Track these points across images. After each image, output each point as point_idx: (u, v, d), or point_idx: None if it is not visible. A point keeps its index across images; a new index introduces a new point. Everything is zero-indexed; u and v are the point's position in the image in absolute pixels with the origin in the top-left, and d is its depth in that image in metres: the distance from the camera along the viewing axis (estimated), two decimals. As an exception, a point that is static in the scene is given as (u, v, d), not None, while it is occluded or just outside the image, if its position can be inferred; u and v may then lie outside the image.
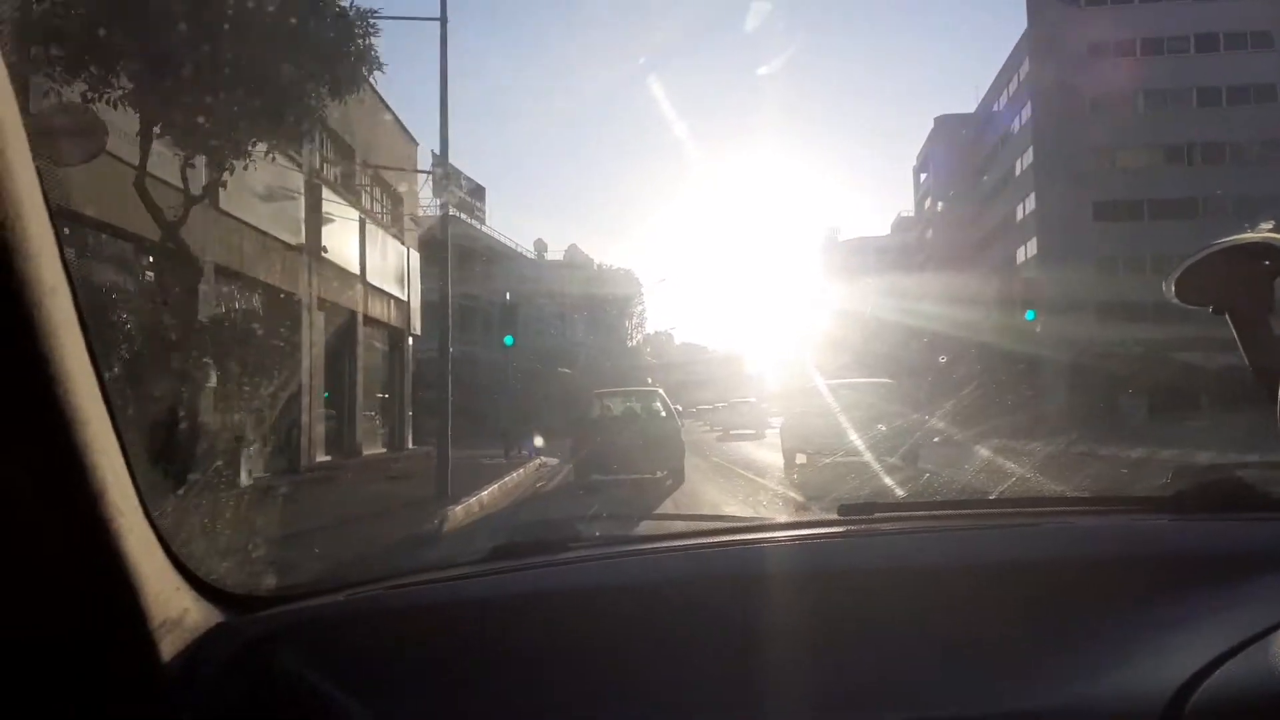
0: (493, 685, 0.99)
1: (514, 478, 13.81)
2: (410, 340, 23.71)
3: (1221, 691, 0.74)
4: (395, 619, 1.09)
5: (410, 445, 22.85)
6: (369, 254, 19.85)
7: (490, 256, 42.24)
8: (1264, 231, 1.02)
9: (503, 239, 46.05)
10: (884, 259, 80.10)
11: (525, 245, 51.02)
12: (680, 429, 14.03)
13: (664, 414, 14.04)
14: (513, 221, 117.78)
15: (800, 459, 14.05)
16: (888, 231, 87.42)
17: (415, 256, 24.10)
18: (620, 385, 20.93)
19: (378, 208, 22.04)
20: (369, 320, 20.28)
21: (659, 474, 12.70)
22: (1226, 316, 1.05)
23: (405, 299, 23.03)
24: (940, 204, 66.59)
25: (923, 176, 74.22)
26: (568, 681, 0.98)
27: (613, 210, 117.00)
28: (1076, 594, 0.98)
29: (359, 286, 19.31)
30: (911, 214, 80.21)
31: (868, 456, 11.10)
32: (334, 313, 17.74)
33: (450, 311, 13.02)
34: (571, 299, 49.36)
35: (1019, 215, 49.66)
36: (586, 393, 17.94)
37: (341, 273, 18.10)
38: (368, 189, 21.13)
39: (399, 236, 22.78)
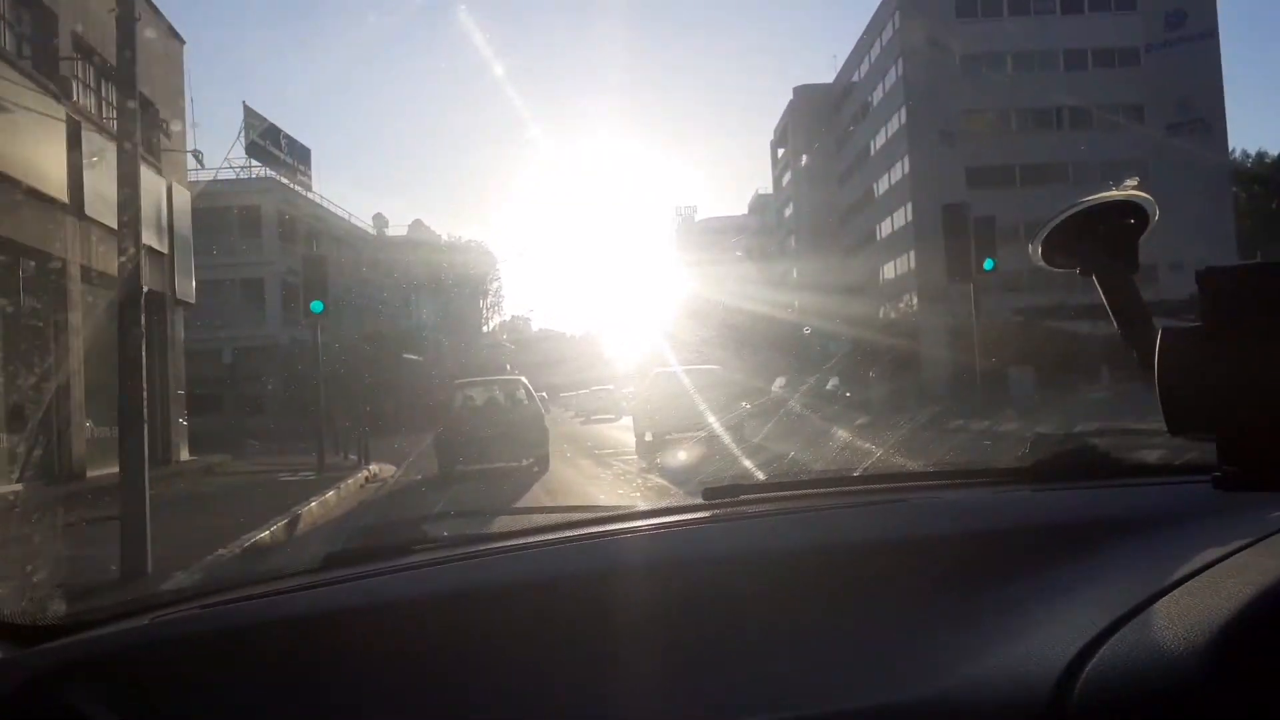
0: (322, 714, 0.95)
1: (314, 506, 10.29)
2: (179, 312, 18.59)
3: (1110, 666, 0.78)
4: (208, 643, 1.04)
5: (183, 456, 17.90)
6: (87, 174, 13.61)
7: (318, 229, 40.18)
8: (1127, 189, 1.10)
9: (334, 209, 43.66)
10: (743, 239, 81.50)
11: (363, 221, 48.95)
12: (544, 416, 15.01)
13: (526, 401, 14.98)
14: (349, 198, 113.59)
15: (648, 437, 16.63)
16: (745, 210, 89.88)
17: (185, 197, 18.71)
18: (476, 373, 22.86)
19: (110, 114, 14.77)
20: (93, 274, 13.90)
21: (525, 462, 13.54)
22: (1093, 278, 1.11)
23: (166, 252, 17.32)
24: (799, 179, 68.42)
25: (780, 151, 75.52)
26: (411, 704, 0.96)
27: (460, 190, 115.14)
28: (950, 572, 1.03)
29: (68, 221, 13.45)
30: (770, 191, 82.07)
31: (703, 432, 14.26)
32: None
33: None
34: (418, 279, 47.78)
35: (883, 187, 51.93)
36: (438, 382, 19.58)
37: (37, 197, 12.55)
38: (80, 76, 14.98)
39: (155, 164, 16.63)
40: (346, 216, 45.56)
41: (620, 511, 1.37)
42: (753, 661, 0.96)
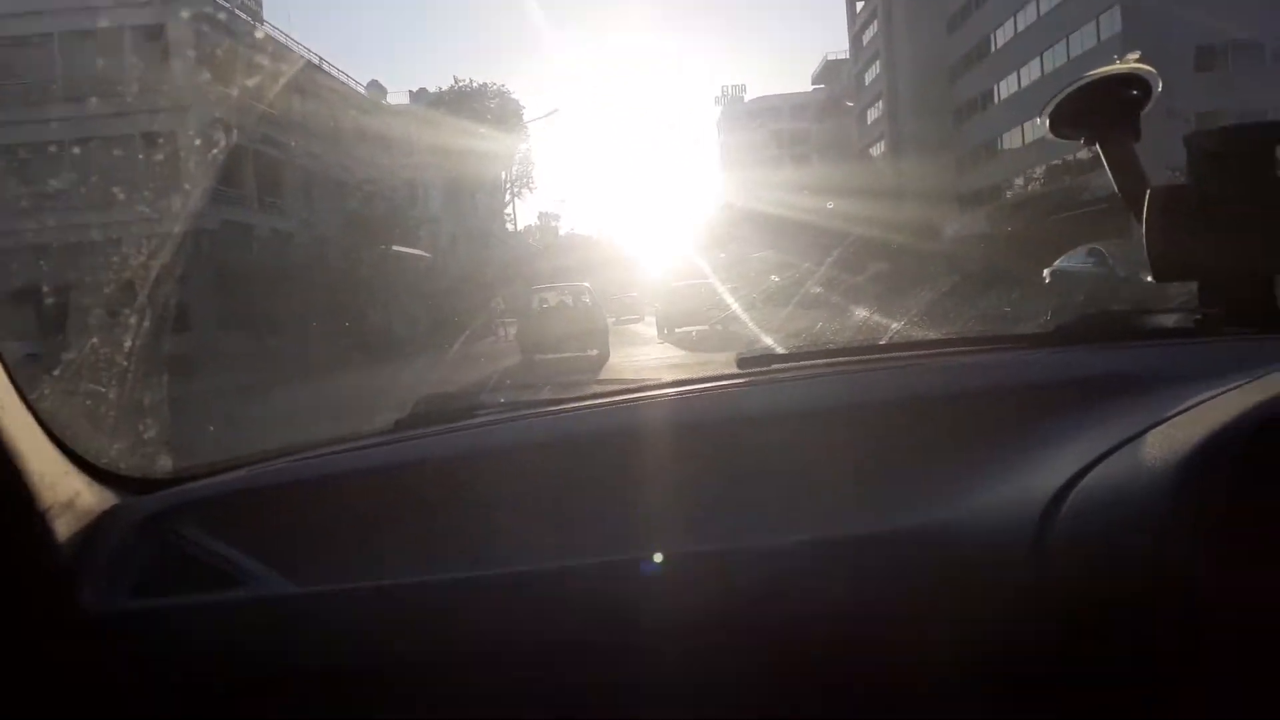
0: (400, 544, 1.07)
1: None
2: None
3: (1098, 487, 0.85)
4: (298, 490, 1.15)
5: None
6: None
7: (283, 70, 25.70)
8: (1130, 62, 1.10)
9: (310, 55, 30.84)
10: (800, 122, 73.92)
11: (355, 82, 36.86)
12: (604, 314, 18.26)
13: (590, 303, 17.99)
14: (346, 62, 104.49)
15: (665, 331, 21.57)
16: (809, 85, 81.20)
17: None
18: (497, 276, 27.02)
19: None
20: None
21: (591, 352, 16.33)
22: (1097, 146, 1.15)
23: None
24: (893, 24, 54.22)
25: (859, 3, 63.23)
26: (475, 537, 1.06)
27: (473, 66, 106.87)
28: (962, 425, 1.09)
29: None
30: (845, 55, 69.58)
31: (697, 328, 19.18)
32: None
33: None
34: (426, 161, 37.46)
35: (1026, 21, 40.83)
36: (450, 286, 21.72)
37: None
38: None
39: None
40: (337, 74, 34.02)
41: (663, 381, 1.45)
42: (778, 496, 1.05)
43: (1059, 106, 1.15)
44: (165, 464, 1.41)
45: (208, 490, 1.15)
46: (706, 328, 18.77)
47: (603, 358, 16.05)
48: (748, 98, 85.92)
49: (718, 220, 53.88)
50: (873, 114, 61.11)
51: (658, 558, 1.00)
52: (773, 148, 74.89)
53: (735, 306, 17.70)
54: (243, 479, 1.19)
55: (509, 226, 47.89)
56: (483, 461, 1.15)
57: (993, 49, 45.65)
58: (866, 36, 62.18)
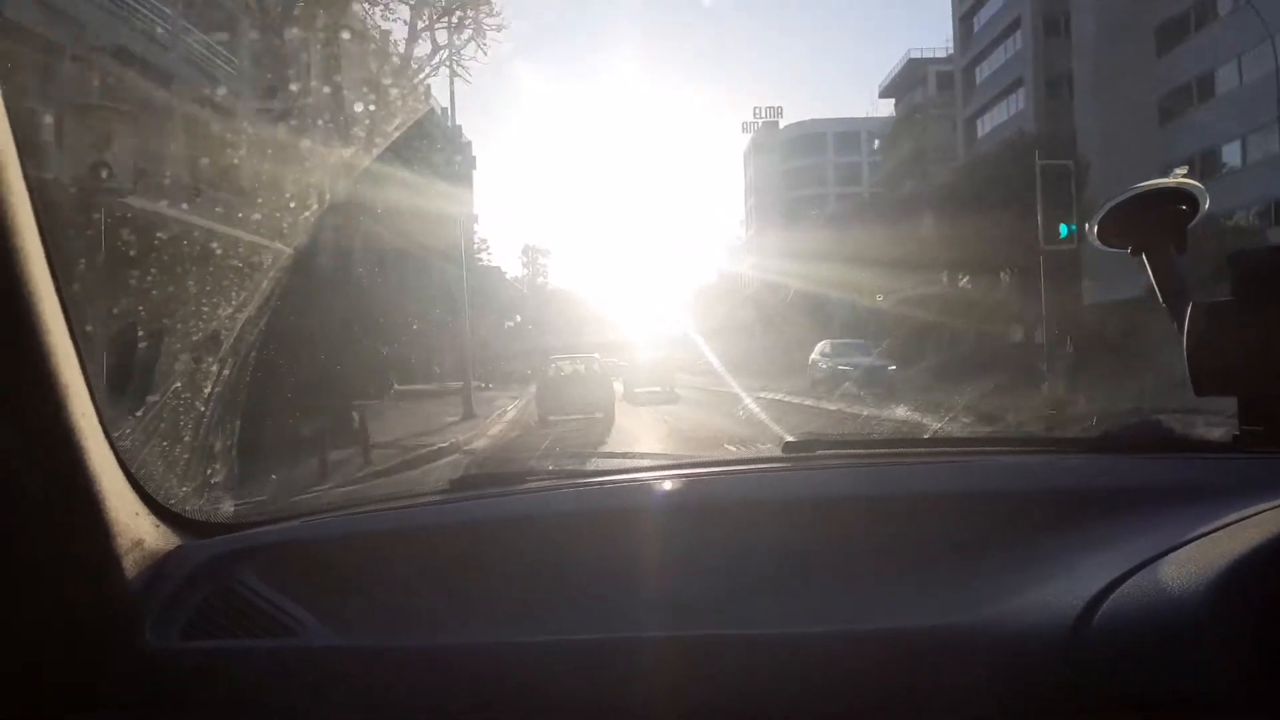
0: (450, 604, 1.06)
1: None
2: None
3: (1133, 597, 0.83)
4: (353, 543, 1.16)
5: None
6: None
7: None
8: (1178, 177, 1.10)
9: None
10: (850, 155, 60.55)
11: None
12: (611, 381, 20.23)
13: (599, 371, 20.11)
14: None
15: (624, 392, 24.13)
16: (869, 107, 65.07)
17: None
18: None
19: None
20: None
21: (597, 414, 17.95)
22: (1143, 256, 1.14)
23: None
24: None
25: None
26: (523, 602, 1.05)
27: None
28: (1002, 524, 1.07)
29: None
30: (930, 51, 49.77)
31: (659, 389, 24.23)
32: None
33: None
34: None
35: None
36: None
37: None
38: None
39: None
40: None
41: (708, 458, 1.44)
42: (820, 586, 1.03)
43: (1106, 216, 1.15)
44: (228, 509, 1.43)
45: (265, 538, 1.17)
46: (659, 390, 24.33)
47: (608, 420, 17.53)
48: (784, 122, 68.84)
49: (727, 289, 49.47)
50: (992, 118, 42.71)
51: (696, 635, 0.98)
52: (812, 184, 61.48)
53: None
54: (299, 529, 1.20)
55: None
56: (533, 528, 1.15)
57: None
58: (983, 18, 43.66)
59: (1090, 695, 0.82)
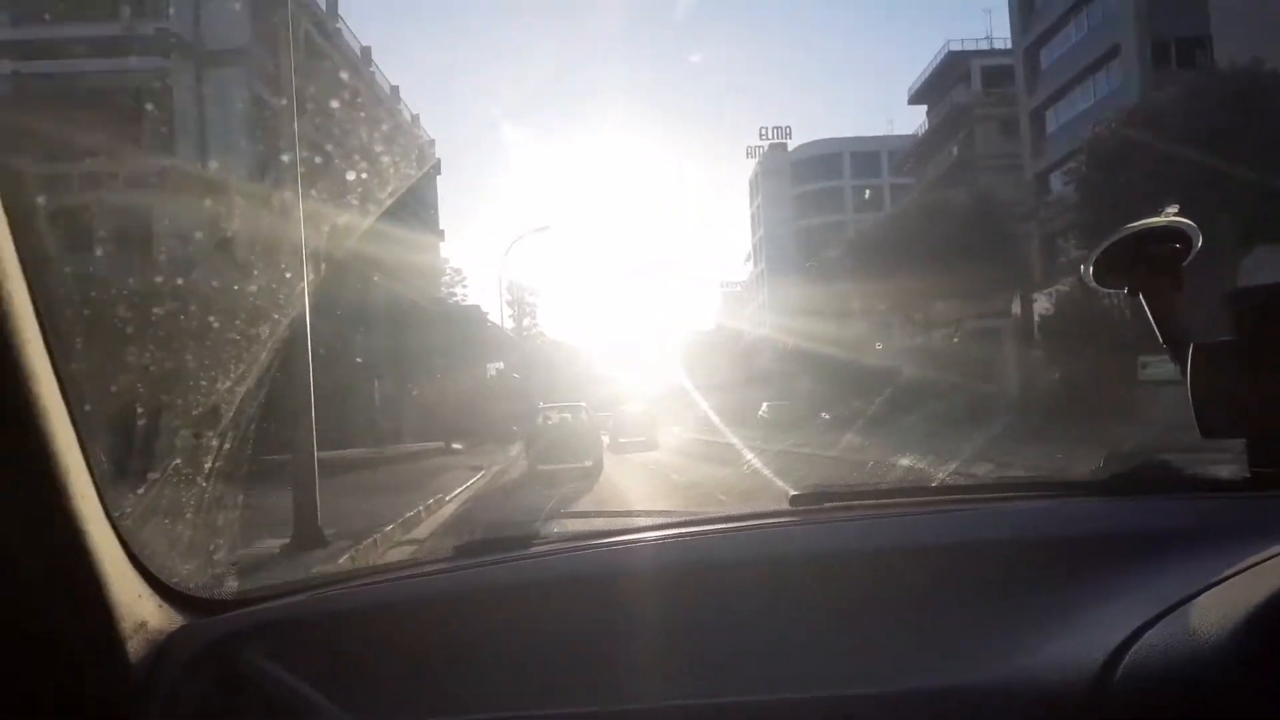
0: (461, 676, 1.03)
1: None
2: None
3: (1155, 649, 0.81)
4: (361, 616, 1.13)
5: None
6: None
7: None
8: (1169, 216, 1.11)
9: None
10: (867, 176, 53.87)
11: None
12: (599, 430, 20.50)
13: (587, 420, 20.12)
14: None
15: (609, 440, 24.79)
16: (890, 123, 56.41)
17: None
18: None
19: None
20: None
21: (587, 463, 18.07)
22: (1140, 296, 1.14)
23: None
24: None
25: None
26: (535, 671, 1.03)
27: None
28: (1016, 573, 1.05)
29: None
30: (971, 42, 41.49)
31: (642, 438, 26.98)
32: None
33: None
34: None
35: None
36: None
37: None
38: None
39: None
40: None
41: (714, 515, 1.42)
42: (832, 646, 1.00)
43: (1101, 256, 1.16)
44: (233, 584, 1.40)
45: (270, 615, 1.14)
46: (642, 439, 26.52)
47: (597, 468, 17.66)
48: (794, 143, 60.52)
49: (726, 339, 47.72)
50: (1070, 105, 33.59)
51: (708, 704, 0.95)
52: (827, 210, 53.87)
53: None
54: (305, 604, 1.17)
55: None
56: (539, 595, 1.13)
57: None
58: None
59: None
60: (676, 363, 51.39)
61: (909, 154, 47.89)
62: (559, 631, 1.07)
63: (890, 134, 53.96)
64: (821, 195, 57.52)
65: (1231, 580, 0.85)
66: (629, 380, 45.10)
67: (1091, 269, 1.17)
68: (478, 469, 17.40)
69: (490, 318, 35.13)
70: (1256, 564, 0.86)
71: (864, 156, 57.25)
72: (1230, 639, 0.74)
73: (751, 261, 66.11)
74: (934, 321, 32.07)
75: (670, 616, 1.07)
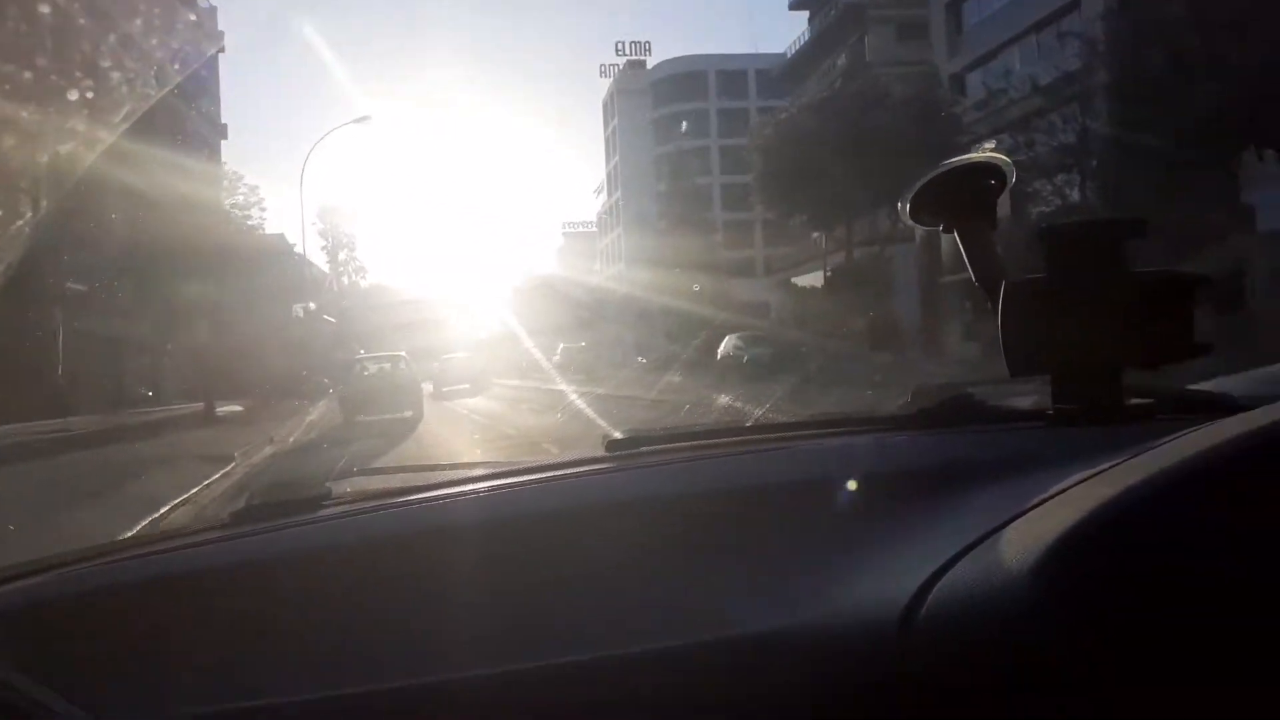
0: (242, 660, 0.91)
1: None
2: None
3: (955, 590, 0.81)
4: (115, 597, 0.97)
5: None
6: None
7: None
8: (986, 151, 1.13)
9: None
10: (737, 99, 50.02)
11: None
12: (418, 379, 20.40)
13: (405, 369, 19.98)
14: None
15: (431, 388, 25.42)
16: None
17: None
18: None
19: None
20: None
21: (406, 413, 17.94)
22: (955, 234, 1.15)
23: None
24: None
25: None
26: (327, 650, 0.92)
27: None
28: (828, 512, 1.05)
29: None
30: None
31: (466, 386, 27.35)
32: None
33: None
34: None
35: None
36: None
37: None
38: None
39: None
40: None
41: (525, 464, 1.35)
42: (647, 598, 0.96)
43: (917, 194, 1.16)
44: None
45: (2, 600, 0.97)
46: (467, 386, 26.95)
47: (417, 418, 17.67)
48: (653, 61, 55.00)
49: (562, 284, 46.04)
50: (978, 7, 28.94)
51: (515, 670, 0.89)
52: (689, 135, 48.69)
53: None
54: (43, 585, 1.00)
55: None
56: (330, 562, 1.01)
57: None
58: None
59: (923, 690, 0.80)
60: (511, 308, 50.13)
61: (786, 67, 42.51)
62: (353, 603, 0.96)
63: (759, 52, 49.67)
64: (684, 118, 52.97)
65: (1031, 512, 0.86)
66: (459, 326, 43.58)
67: (908, 207, 1.18)
68: (222, 461, 10.49)
69: (296, 248, 30.53)
70: (1056, 494, 0.87)
71: (731, 75, 52.74)
72: (1031, 572, 0.75)
73: (604, 193, 61.16)
74: (858, 238, 28.22)
75: (477, 578, 1.00)
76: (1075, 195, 19.19)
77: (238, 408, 21.79)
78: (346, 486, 1.34)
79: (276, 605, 0.96)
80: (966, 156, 1.14)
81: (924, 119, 24.46)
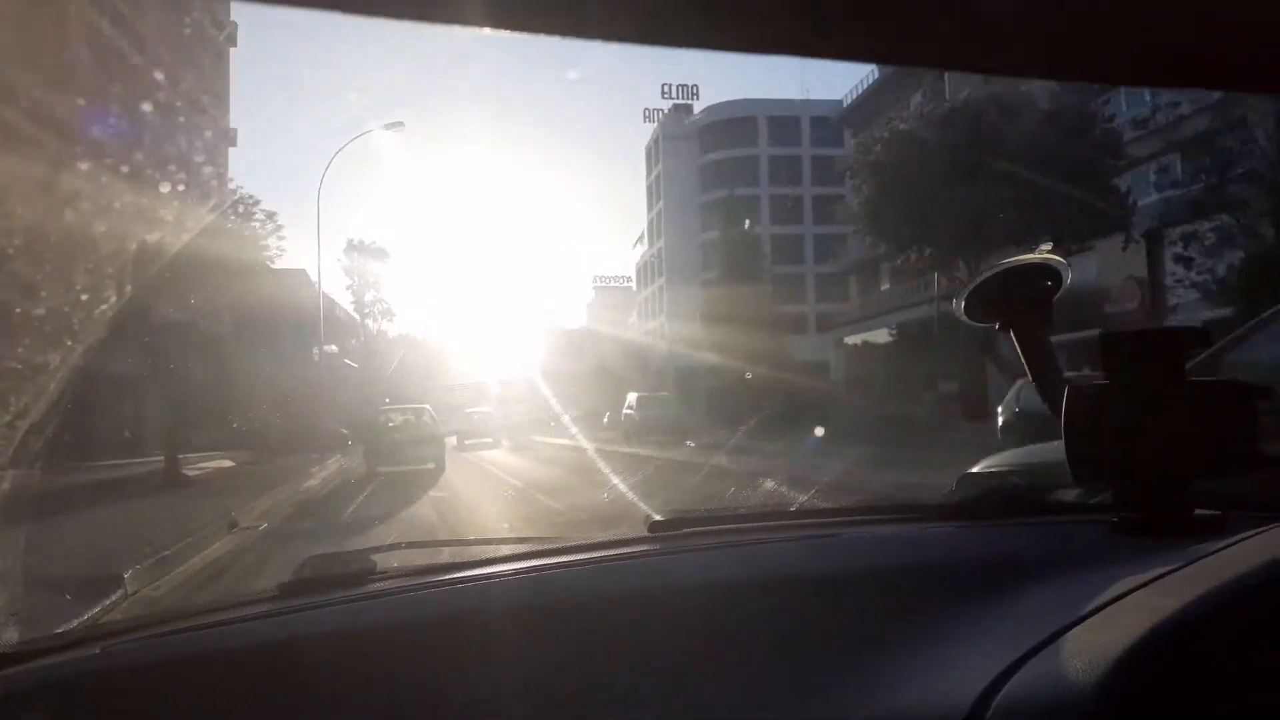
0: None
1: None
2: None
3: (1019, 700, 0.79)
4: (166, 671, 0.98)
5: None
6: None
7: None
8: (1043, 253, 1.16)
9: None
10: (788, 145, 48.02)
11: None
12: (441, 431, 20.45)
13: (429, 421, 20.07)
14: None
15: (455, 442, 26.81)
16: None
17: None
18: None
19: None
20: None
21: (429, 465, 17.93)
22: (1010, 332, 1.16)
23: None
24: None
25: None
26: None
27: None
28: (871, 604, 1.03)
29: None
30: None
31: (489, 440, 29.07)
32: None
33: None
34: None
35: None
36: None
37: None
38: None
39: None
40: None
41: (570, 543, 1.35)
42: (694, 688, 0.95)
43: (973, 292, 1.17)
44: (12, 635, 1.22)
45: (56, 671, 0.98)
46: (488, 440, 28.61)
47: (439, 470, 17.74)
48: (700, 106, 52.25)
49: (592, 337, 45.09)
50: None
51: None
52: (738, 182, 45.49)
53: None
54: (96, 659, 1.02)
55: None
56: (382, 640, 1.01)
57: None
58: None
59: None
60: (539, 362, 49.45)
61: (848, 110, 39.16)
62: (403, 682, 0.96)
63: (809, 98, 47.19)
64: (732, 165, 49.20)
65: (1092, 619, 0.85)
66: (483, 377, 43.82)
67: (964, 304, 1.19)
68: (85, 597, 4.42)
69: (317, 283, 26.28)
70: (1118, 598, 0.86)
71: (782, 121, 49.60)
72: (1097, 686, 0.74)
73: (644, 243, 58.16)
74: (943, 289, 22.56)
75: (521, 663, 0.99)
76: (1271, 233, 15.62)
77: (227, 463, 18.65)
78: (393, 560, 1.35)
79: (321, 685, 0.96)
80: (1021, 258, 1.15)
81: (1078, 134, 20.03)
